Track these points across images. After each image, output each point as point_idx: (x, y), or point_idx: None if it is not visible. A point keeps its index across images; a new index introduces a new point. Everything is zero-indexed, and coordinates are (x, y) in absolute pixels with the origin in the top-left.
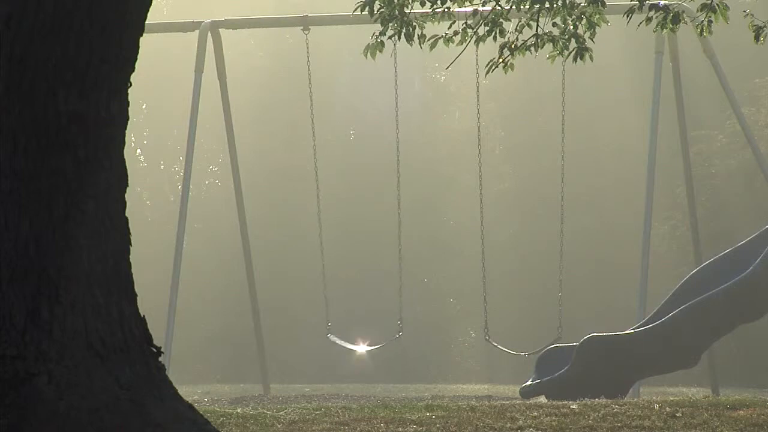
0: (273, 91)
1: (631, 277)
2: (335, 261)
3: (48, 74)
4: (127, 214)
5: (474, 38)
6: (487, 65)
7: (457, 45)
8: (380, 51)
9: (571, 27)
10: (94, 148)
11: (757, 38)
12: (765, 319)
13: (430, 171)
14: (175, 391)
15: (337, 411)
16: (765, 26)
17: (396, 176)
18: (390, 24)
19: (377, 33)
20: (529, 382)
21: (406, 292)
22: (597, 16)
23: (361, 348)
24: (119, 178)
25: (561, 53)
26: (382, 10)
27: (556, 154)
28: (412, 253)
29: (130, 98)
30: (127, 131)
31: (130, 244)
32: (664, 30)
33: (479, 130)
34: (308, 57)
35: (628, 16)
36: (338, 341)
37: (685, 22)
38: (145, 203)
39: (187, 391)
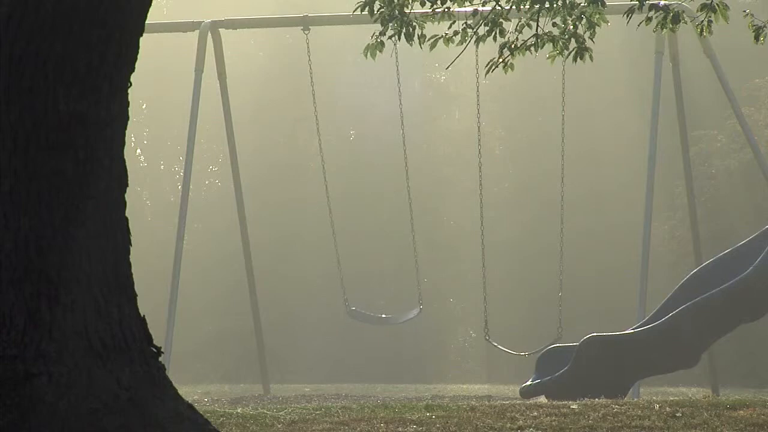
0: (273, 91)
1: (631, 277)
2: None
3: (48, 74)
4: (127, 214)
5: (474, 38)
6: (487, 65)
7: (457, 45)
8: (380, 51)
9: (571, 27)
10: (94, 148)
11: (757, 38)
12: (765, 319)
13: (430, 171)
14: (175, 391)
15: (337, 411)
16: (765, 26)
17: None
18: (390, 24)
19: (377, 33)
20: (529, 382)
21: (406, 292)
22: (597, 16)
23: (384, 319)
24: (119, 178)
25: (561, 53)
26: (382, 10)
27: (556, 154)
28: (411, 253)
29: (130, 98)
30: (127, 131)
31: (130, 244)
32: (664, 30)
33: (479, 131)
34: (309, 57)
35: (628, 16)
36: (361, 311)
37: (685, 22)
38: (145, 203)
39: (187, 391)
